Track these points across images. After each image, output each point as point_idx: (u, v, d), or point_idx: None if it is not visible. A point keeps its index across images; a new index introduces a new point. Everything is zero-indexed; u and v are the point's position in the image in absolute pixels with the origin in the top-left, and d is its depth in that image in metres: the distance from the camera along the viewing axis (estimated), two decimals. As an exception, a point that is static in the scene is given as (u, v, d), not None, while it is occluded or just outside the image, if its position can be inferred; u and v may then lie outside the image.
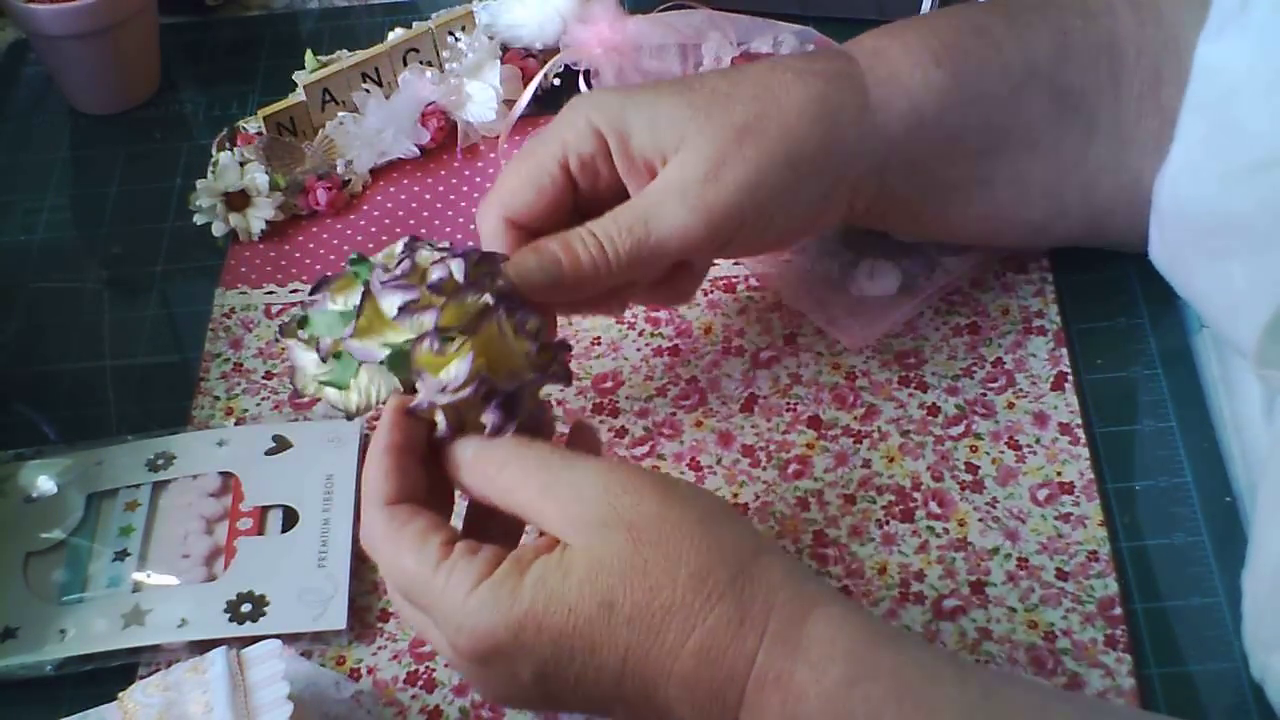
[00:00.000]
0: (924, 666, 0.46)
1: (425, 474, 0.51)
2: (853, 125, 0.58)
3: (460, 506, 0.55)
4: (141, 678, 0.57)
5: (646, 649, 0.46)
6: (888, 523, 0.60)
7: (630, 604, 0.46)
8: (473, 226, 0.74)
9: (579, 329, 0.68)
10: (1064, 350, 0.65)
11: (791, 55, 0.63)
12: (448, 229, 0.75)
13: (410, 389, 0.51)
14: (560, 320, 0.63)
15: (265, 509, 0.62)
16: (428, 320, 0.50)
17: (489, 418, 0.50)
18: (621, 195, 0.58)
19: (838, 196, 0.60)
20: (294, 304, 0.72)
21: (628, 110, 0.57)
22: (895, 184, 0.60)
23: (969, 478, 0.61)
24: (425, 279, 0.51)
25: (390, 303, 0.50)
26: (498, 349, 0.51)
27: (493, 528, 0.52)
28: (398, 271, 0.51)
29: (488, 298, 0.51)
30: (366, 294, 0.51)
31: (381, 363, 0.50)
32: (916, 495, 0.61)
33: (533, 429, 0.52)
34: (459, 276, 0.51)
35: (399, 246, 0.53)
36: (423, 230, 0.75)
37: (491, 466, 0.50)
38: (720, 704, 0.46)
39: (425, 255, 0.52)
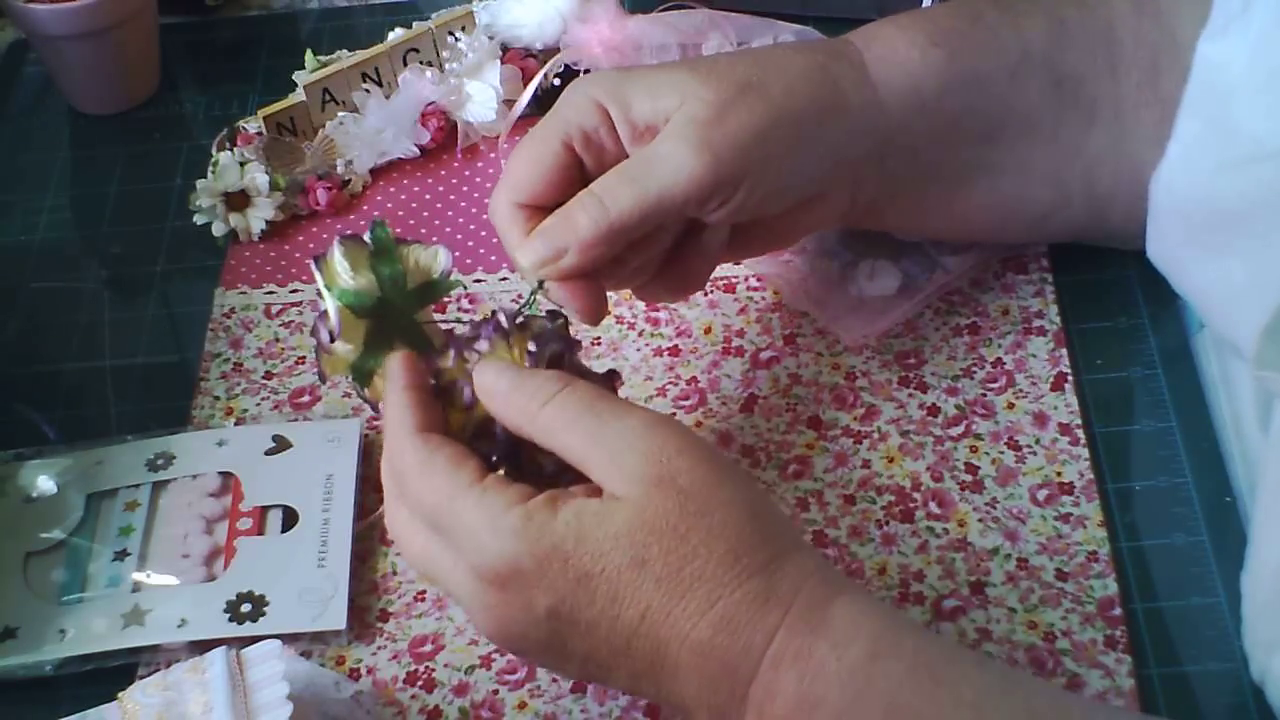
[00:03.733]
0: (945, 650, 0.47)
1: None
2: (854, 93, 0.58)
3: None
4: (141, 678, 0.57)
5: (668, 610, 0.46)
6: (888, 523, 0.60)
7: (662, 565, 0.46)
8: (485, 216, 0.75)
9: (578, 329, 0.68)
10: (1064, 350, 0.65)
11: (787, 37, 0.64)
12: (447, 229, 0.75)
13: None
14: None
15: (265, 509, 0.62)
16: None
17: (530, 344, 0.51)
18: None
19: (839, 180, 0.60)
20: (294, 304, 0.72)
21: (627, 81, 0.57)
22: (898, 170, 0.60)
23: (969, 478, 0.61)
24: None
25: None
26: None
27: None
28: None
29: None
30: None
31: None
32: (916, 495, 0.61)
33: None
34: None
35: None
36: (422, 230, 0.75)
37: (533, 401, 0.49)
38: (731, 677, 0.46)
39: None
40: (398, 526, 0.52)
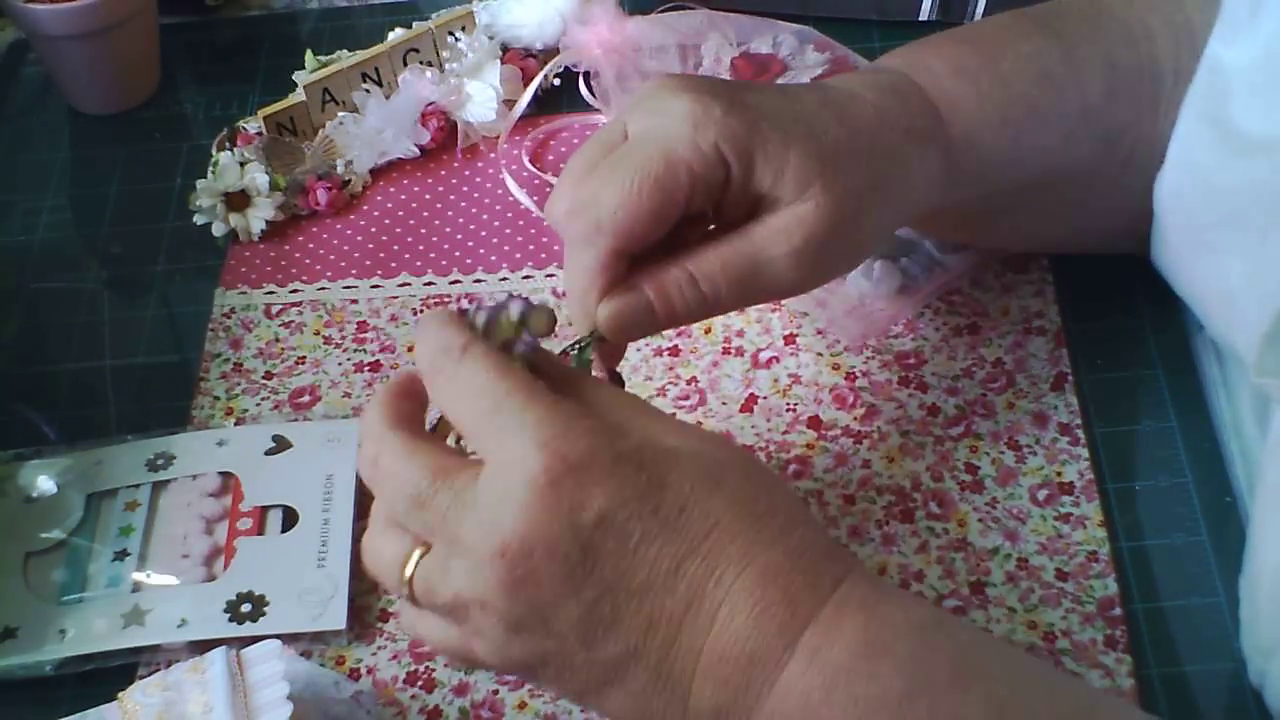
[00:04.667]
0: (978, 632, 0.48)
1: None
2: (939, 189, 0.57)
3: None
4: (141, 678, 0.57)
5: (737, 531, 0.44)
6: (888, 523, 0.60)
7: (736, 488, 0.45)
8: (484, 216, 0.74)
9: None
10: (1064, 350, 0.65)
11: (891, 99, 0.57)
12: (447, 229, 0.75)
13: None
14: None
15: (265, 509, 0.62)
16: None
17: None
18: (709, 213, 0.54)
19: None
20: (294, 304, 0.72)
21: (754, 134, 0.51)
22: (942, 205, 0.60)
23: (969, 478, 0.61)
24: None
25: None
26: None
27: None
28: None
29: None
30: None
31: None
32: (916, 496, 0.61)
33: None
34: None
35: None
36: (421, 230, 0.75)
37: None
38: (790, 609, 0.44)
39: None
40: (381, 478, 0.47)
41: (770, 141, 0.52)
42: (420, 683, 0.58)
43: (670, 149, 0.50)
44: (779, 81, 0.76)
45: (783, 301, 0.68)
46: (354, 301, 0.72)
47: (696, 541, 0.44)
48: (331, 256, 0.74)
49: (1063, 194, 0.62)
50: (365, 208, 0.76)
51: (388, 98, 0.78)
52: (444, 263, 0.73)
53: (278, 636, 0.54)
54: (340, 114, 0.77)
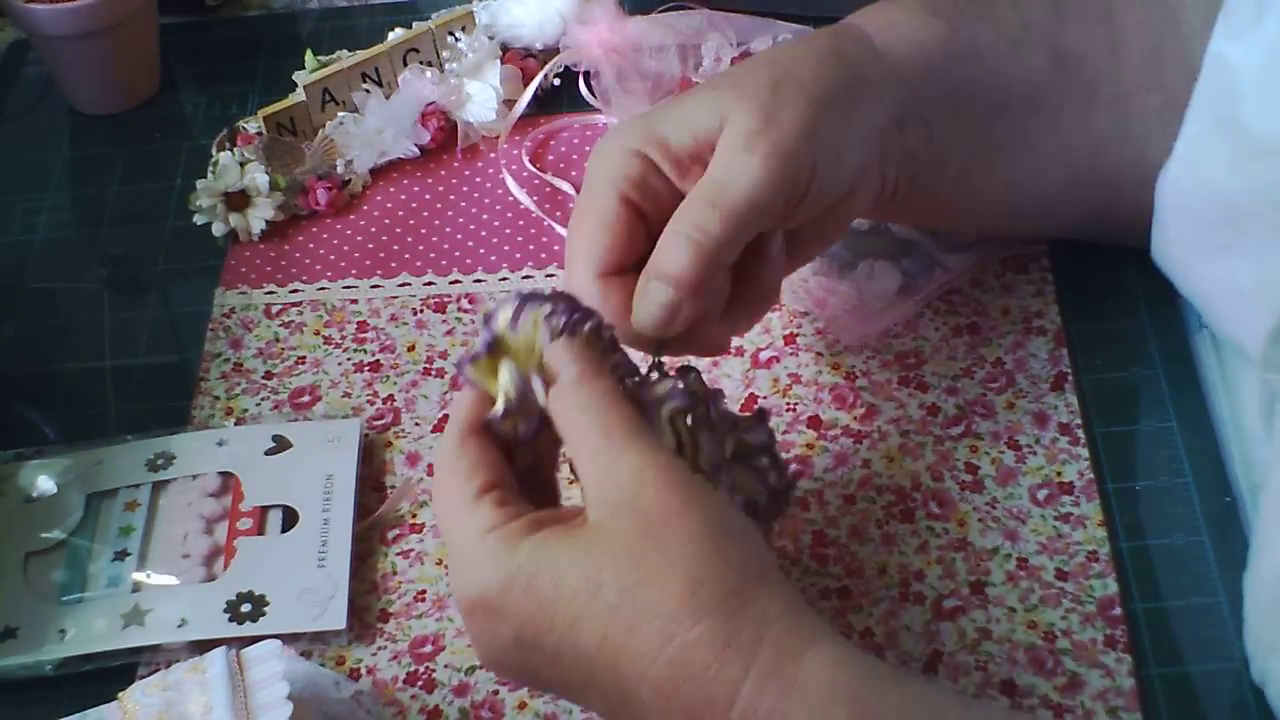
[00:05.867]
0: (929, 706, 0.45)
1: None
2: (869, 67, 0.58)
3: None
4: (141, 678, 0.57)
5: (624, 642, 0.45)
6: (887, 523, 0.60)
7: (616, 590, 0.45)
8: (485, 216, 0.74)
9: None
10: (1064, 350, 0.65)
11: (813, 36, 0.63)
12: (447, 229, 0.75)
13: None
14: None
15: (265, 509, 0.62)
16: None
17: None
18: None
19: (872, 159, 0.59)
20: (294, 304, 0.72)
21: (656, 121, 0.56)
22: (915, 146, 0.60)
23: (969, 478, 0.61)
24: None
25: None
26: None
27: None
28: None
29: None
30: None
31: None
32: (916, 495, 0.61)
33: None
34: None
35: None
36: (421, 230, 0.75)
37: (581, 403, 0.48)
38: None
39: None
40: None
41: (665, 110, 0.57)
42: (420, 683, 0.58)
43: (590, 179, 0.56)
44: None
45: (783, 302, 0.68)
46: (354, 301, 0.72)
47: (593, 654, 0.45)
48: (331, 256, 0.74)
49: (1037, 126, 0.62)
50: (365, 208, 0.76)
51: (388, 98, 0.78)
52: (444, 263, 0.73)
53: (278, 636, 0.54)
54: (340, 114, 0.77)
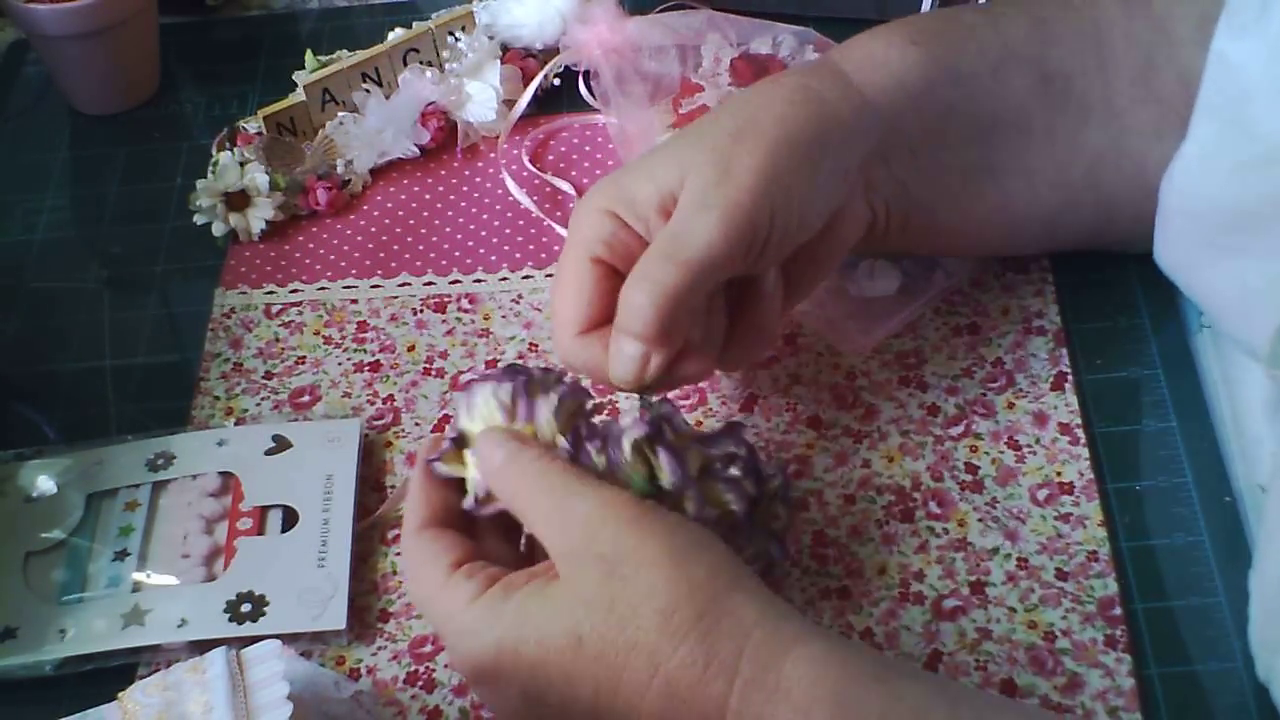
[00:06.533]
0: (914, 705, 0.45)
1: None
2: (842, 102, 0.58)
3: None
4: (141, 678, 0.57)
5: (615, 685, 0.46)
6: (887, 523, 0.60)
7: (597, 638, 0.46)
8: (485, 216, 0.74)
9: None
10: (1064, 350, 0.65)
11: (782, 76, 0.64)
12: (447, 229, 0.75)
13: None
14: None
15: (265, 509, 0.62)
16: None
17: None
18: None
19: (855, 192, 0.59)
20: (294, 304, 0.72)
21: (624, 179, 0.57)
22: (904, 175, 0.60)
23: (969, 478, 0.61)
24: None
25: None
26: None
27: (537, 552, 0.52)
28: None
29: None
30: None
31: None
32: (916, 495, 0.61)
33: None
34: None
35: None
36: (421, 230, 0.75)
37: (516, 480, 0.51)
38: None
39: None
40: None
41: (631, 168, 0.57)
42: (420, 683, 0.58)
43: (567, 242, 0.57)
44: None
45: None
46: (354, 301, 0.72)
47: (591, 702, 0.47)
48: (331, 256, 0.74)
49: (1029, 148, 0.62)
50: (365, 208, 0.76)
51: (388, 98, 0.78)
52: (444, 263, 0.73)
53: (278, 636, 0.54)
54: (340, 114, 0.77)
